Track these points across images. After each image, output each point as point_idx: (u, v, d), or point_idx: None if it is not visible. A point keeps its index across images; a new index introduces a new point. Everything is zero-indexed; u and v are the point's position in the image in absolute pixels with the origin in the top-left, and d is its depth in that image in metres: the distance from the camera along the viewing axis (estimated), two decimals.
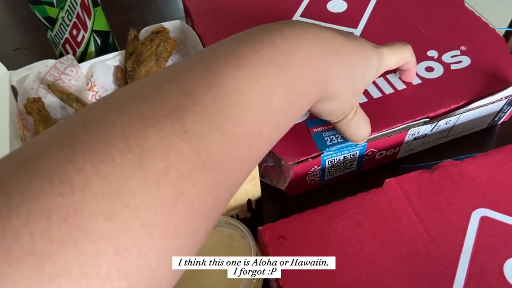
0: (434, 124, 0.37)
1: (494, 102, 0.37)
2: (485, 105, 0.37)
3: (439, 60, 0.40)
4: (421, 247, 0.30)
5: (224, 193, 0.19)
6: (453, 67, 0.40)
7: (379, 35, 0.44)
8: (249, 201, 0.35)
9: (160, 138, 0.16)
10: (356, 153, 0.37)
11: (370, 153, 0.37)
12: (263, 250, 0.32)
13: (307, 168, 0.36)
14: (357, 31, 0.45)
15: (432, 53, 0.41)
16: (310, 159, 0.35)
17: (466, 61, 0.40)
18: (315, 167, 0.36)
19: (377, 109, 0.37)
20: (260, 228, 0.32)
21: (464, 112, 0.37)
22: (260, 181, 0.34)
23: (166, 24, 0.43)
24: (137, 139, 0.16)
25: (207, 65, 0.20)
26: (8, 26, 0.65)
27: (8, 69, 0.42)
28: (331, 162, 0.37)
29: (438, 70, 0.40)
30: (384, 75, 0.40)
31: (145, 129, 0.16)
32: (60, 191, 0.14)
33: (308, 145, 0.35)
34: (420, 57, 0.41)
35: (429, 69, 0.40)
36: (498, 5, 1.34)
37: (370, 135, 0.35)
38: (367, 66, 0.29)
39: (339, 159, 0.37)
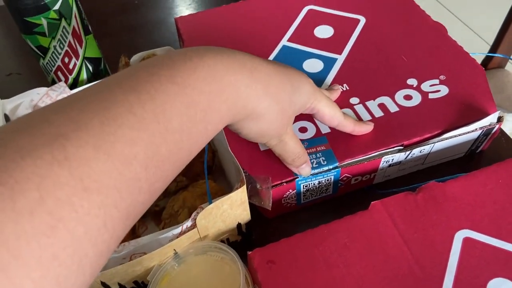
0: (408, 152, 0.38)
1: (468, 132, 0.38)
2: (459, 135, 0.38)
3: (417, 88, 0.41)
4: (406, 269, 0.31)
5: (118, 215, 0.19)
6: (431, 96, 0.41)
7: (362, 62, 0.45)
8: (239, 225, 0.36)
9: (36, 168, 0.16)
10: (331, 178, 0.38)
11: (345, 178, 0.38)
12: (252, 275, 0.32)
13: (282, 192, 0.37)
14: (341, 57, 0.46)
15: (412, 81, 0.42)
16: (285, 183, 0.36)
17: (444, 90, 0.41)
18: (290, 191, 0.37)
19: (354, 136, 0.38)
20: (249, 253, 0.32)
21: (437, 142, 0.38)
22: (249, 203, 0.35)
23: (156, 51, 0.44)
24: (10, 171, 0.16)
25: (100, 91, 0.20)
26: (0, 51, 0.66)
27: (2, 94, 0.43)
28: (306, 186, 0.37)
29: (416, 99, 0.40)
30: (363, 102, 0.41)
31: (20, 160, 0.16)
32: None
33: (283, 169, 0.36)
34: (400, 85, 0.42)
35: (408, 97, 0.41)
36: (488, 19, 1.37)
37: (345, 161, 0.36)
38: (294, 89, 0.30)
39: (314, 184, 0.37)
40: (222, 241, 0.36)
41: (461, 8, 1.63)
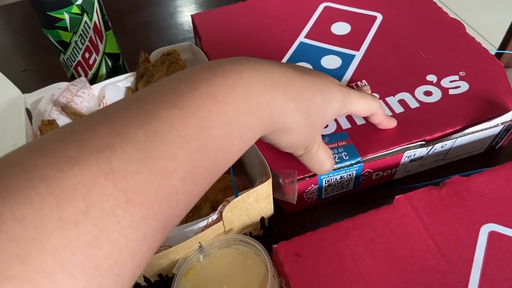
0: (430, 147, 0.38)
1: (490, 127, 0.38)
2: (481, 130, 0.38)
3: (437, 84, 0.41)
4: (432, 262, 0.31)
5: (156, 228, 0.19)
6: (451, 92, 0.41)
7: (381, 58, 0.45)
8: (262, 219, 0.36)
9: (84, 179, 0.17)
10: (353, 173, 0.38)
11: (366, 173, 0.38)
12: (278, 267, 0.32)
13: (304, 187, 0.37)
14: (359, 54, 0.46)
15: (431, 77, 0.42)
16: (307, 178, 0.36)
17: (464, 86, 0.41)
18: (312, 185, 0.37)
19: (375, 130, 0.38)
20: (275, 246, 0.32)
21: (460, 137, 0.38)
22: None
23: (176, 46, 0.44)
24: (59, 180, 0.16)
25: (144, 103, 0.21)
26: (12, 48, 0.67)
27: (19, 89, 0.43)
28: (328, 181, 0.37)
29: (436, 95, 0.41)
30: (383, 98, 0.41)
31: (69, 170, 0.17)
32: None
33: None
34: (419, 81, 0.42)
35: (428, 93, 0.41)
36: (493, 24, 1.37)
37: (367, 156, 0.36)
38: (325, 102, 0.29)
39: (336, 179, 0.38)
40: (245, 234, 0.36)
41: (464, 9, 1.64)
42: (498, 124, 0.38)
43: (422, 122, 0.38)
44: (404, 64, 0.44)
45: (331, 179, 0.37)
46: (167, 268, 0.33)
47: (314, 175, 0.36)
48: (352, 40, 0.48)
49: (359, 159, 0.36)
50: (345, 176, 0.38)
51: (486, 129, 0.38)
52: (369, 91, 0.41)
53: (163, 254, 0.31)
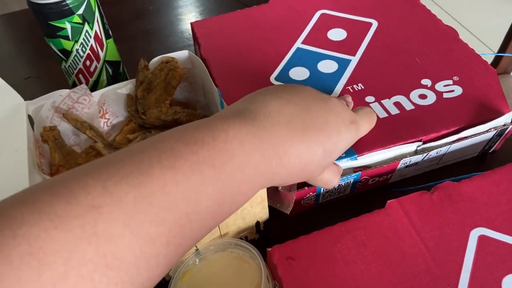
0: (425, 154, 0.38)
1: (483, 132, 0.39)
2: (474, 135, 0.39)
3: (432, 88, 0.42)
4: (423, 266, 0.31)
5: None
6: (445, 95, 0.42)
7: (376, 63, 0.46)
8: (257, 223, 0.37)
9: (66, 241, 0.17)
10: (351, 180, 0.38)
11: (363, 180, 0.39)
12: (272, 271, 0.33)
13: (303, 195, 0.38)
14: (355, 59, 0.47)
15: (426, 81, 0.43)
16: (306, 187, 0.36)
17: (458, 90, 0.42)
18: (311, 193, 0.38)
19: (372, 131, 0.38)
20: (269, 249, 0.33)
21: (453, 143, 0.38)
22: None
23: (174, 54, 0.45)
24: (41, 241, 0.16)
25: (140, 161, 0.20)
26: (17, 56, 0.68)
27: (22, 96, 0.44)
28: (326, 189, 0.38)
29: (431, 98, 0.41)
30: (378, 100, 0.42)
31: (53, 230, 0.17)
32: None
33: None
34: (414, 85, 0.43)
35: (422, 96, 0.42)
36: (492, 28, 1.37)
37: (363, 154, 0.37)
38: (326, 153, 0.29)
39: (334, 187, 0.38)
40: (240, 238, 0.37)
41: (462, 13, 1.64)
42: (491, 129, 0.39)
43: (417, 123, 0.39)
44: (399, 68, 0.45)
45: None
46: None
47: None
48: (348, 46, 0.49)
49: (355, 156, 0.37)
50: (343, 184, 0.38)
51: (479, 134, 0.39)
52: (352, 104, 0.40)
53: None
